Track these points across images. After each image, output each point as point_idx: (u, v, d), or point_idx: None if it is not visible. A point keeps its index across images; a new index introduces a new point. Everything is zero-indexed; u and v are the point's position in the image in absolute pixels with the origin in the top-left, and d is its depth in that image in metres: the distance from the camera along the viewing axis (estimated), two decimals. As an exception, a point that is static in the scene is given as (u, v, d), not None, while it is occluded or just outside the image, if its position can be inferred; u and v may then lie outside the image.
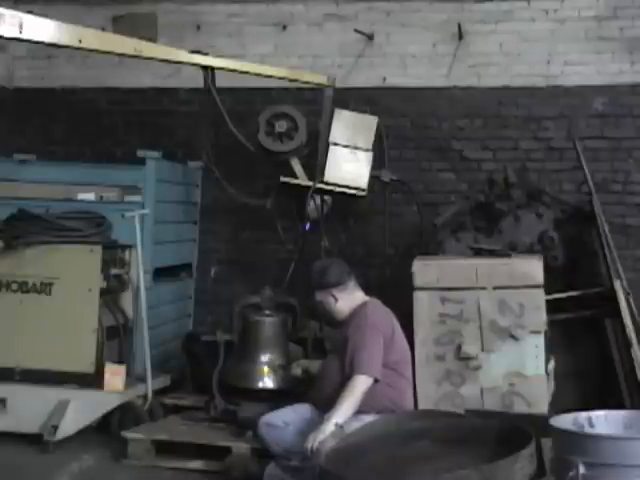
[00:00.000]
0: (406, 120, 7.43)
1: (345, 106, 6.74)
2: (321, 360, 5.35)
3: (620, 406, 5.54)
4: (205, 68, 6.30)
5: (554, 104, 7.25)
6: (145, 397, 6.19)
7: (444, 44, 7.41)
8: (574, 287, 6.28)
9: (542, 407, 5.33)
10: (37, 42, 5.05)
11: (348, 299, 5.10)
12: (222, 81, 6.45)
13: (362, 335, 4.86)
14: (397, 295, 5.61)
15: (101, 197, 6.84)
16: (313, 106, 6.92)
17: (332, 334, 5.54)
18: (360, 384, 4.73)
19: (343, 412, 4.63)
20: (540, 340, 5.46)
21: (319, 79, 6.77)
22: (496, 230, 6.50)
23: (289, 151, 6.57)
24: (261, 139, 6.52)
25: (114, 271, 6.36)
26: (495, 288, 5.51)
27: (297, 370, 5.47)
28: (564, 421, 4.03)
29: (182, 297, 7.55)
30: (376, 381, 4.79)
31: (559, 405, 5.34)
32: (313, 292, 5.17)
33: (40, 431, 5.85)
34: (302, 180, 6.64)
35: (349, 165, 6.62)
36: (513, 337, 5.45)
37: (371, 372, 4.77)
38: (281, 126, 6.50)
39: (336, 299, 5.08)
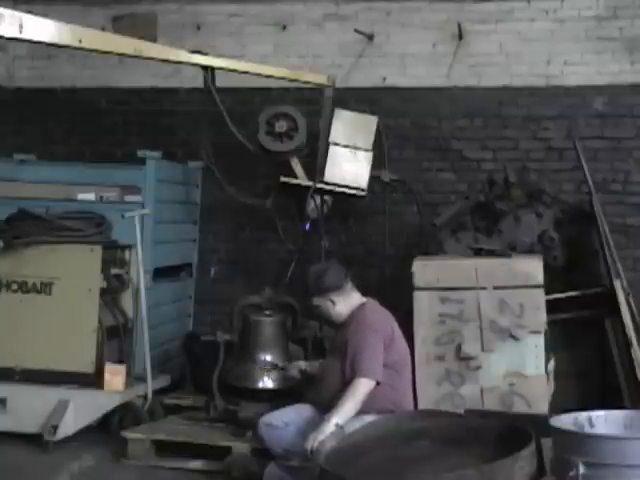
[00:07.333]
0: (406, 120, 7.43)
1: (345, 106, 6.74)
2: (319, 361, 5.35)
3: (620, 406, 5.53)
4: (205, 68, 6.29)
5: (554, 104, 7.25)
6: (145, 397, 6.20)
7: (444, 44, 7.42)
8: (574, 287, 6.27)
9: (542, 407, 5.33)
10: (37, 42, 5.04)
11: (346, 302, 5.05)
12: (222, 81, 6.44)
13: (362, 337, 4.83)
14: (397, 295, 5.62)
15: (101, 197, 6.85)
16: (313, 106, 6.91)
17: (332, 334, 5.52)
18: (362, 387, 4.70)
19: (344, 413, 4.60)
20: (540, 340, 5.45)
21: (319, 79, 6.77)
22: (496, 230, 6.49)
23: (289, 151, 6.56)
24: (261, 139, 6.51)
25: (114, 271, 6.37)
26: (495, 288, 5.51)
27: (293, 371, 5.47)
28: (564, 421, 4.03)
29: (182, 297, 7.55)
30: (377, 383, 4.76)
31: (559, 405, 5.33)
32: (310, 297, 5.11)
33: (40, 431, 5.85)
34: (302, 180, 6.63)
35: (349, 165, 6.62)
36: (513, 337, 5.44)
37: (373, 375, 4.74)
38: (281, 126, 6.49)
39: (334, 303, 5.04)
